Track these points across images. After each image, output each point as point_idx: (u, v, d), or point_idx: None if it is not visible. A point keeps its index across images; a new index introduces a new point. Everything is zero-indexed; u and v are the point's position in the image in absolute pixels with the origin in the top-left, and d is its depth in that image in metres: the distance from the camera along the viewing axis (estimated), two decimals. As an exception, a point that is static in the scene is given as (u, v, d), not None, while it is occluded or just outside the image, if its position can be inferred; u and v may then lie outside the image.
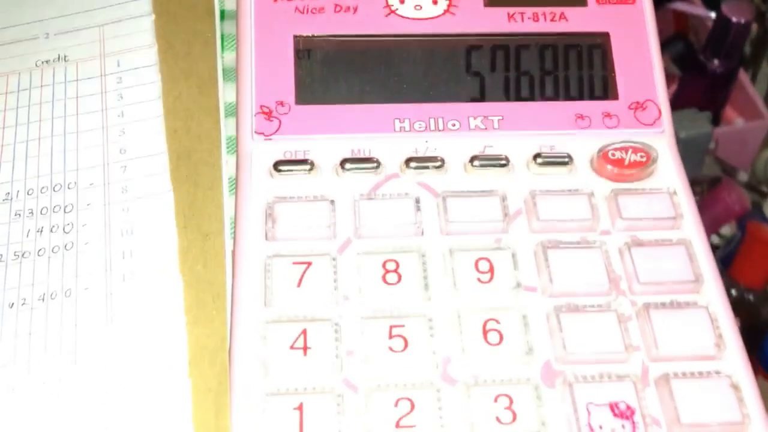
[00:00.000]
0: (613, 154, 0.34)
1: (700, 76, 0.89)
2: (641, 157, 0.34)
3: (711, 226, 0.79)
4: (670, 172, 0.34)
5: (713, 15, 0.89)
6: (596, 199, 0.33)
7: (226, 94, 0.38)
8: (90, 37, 0.40)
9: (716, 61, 0.85)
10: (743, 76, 0.91)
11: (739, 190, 0.79)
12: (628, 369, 0.30)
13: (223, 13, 0.42)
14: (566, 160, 0.34)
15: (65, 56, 0.39)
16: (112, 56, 0.39)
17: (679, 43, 0.95)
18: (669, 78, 0.93)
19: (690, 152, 0.82)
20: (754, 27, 0.88)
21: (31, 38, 0.40)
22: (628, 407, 0.28)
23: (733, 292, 0.82)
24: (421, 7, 0.37)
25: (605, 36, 0.36)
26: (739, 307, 0.82)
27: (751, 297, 0.82)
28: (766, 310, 0.82)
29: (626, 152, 0.34)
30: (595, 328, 0.30)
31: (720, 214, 0.78)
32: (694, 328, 0.30)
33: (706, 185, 0.85)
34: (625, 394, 0.29)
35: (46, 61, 0.39)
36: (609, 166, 0.34)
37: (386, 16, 0.36)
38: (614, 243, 0.32)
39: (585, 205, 0.33)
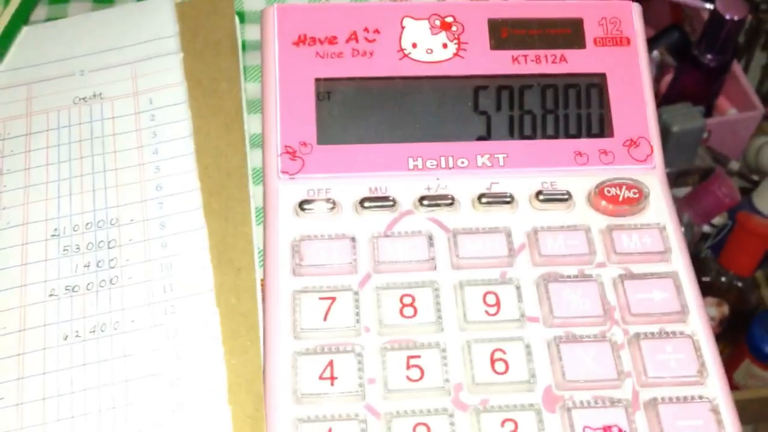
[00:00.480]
0: (609, 191, 0.37)
1: (694, 68, 0.91)
2: (634, 193, 0.37)
3: (702, 217, 0.82)
4: (660, 207, 0.37)
5: (710, 6, 0.92)
6: (593, 233, 0.37)
7: (250, 125, 0.41)
8: (122, 75, 0.43)
9: (710, 55, 0.88)
10: (736, 68, 0.94)
11: (730, 183, 0.83)
12: (620, 394, 0.33)
13: (244, 44, 0.44)
14: (566, 197, 0.37)
15: (100, 93, 0.42)
16: (144, 94, 0.42)
17: (675, 34, 0.97)
18: (665, 68, 0.96)
19: (683, 145, 0.85)
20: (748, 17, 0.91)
21: (67, 75, 0.43)
22: (620, 430, 0.32)
23: (723, 279, 0.86)
24: (432, 51, 0.40)
25: (602, 76, 0.40)
26: (728, 293, 0.86)
27: (739, 284, 0.86)
28: (753, 296, 0.86)
29: (620, 189, 0.37)
30: (591, 357, 0.34)
31: (711, 206, 0.81)
32: (680, 356, 0.34)
33: (698, 176, 0.88)
34: (618, 418, 0.32)
35: (83, 99, 0.42)
36: (604, 203, 0.37)
37: (400, 59, 0.40)
38: (609, 275, 0.36)
39: (582, 240, 0.36)
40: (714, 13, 0.85)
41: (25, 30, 0.44)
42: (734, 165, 0.93)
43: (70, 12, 0.46)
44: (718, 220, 0.88)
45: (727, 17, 0.85)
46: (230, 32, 0.44)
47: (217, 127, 0.41)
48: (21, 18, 0.44)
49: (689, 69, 0.92)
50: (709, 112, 0.93)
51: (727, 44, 0.88)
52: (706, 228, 0.88)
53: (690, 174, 0.88)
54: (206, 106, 0.41)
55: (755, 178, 0.93)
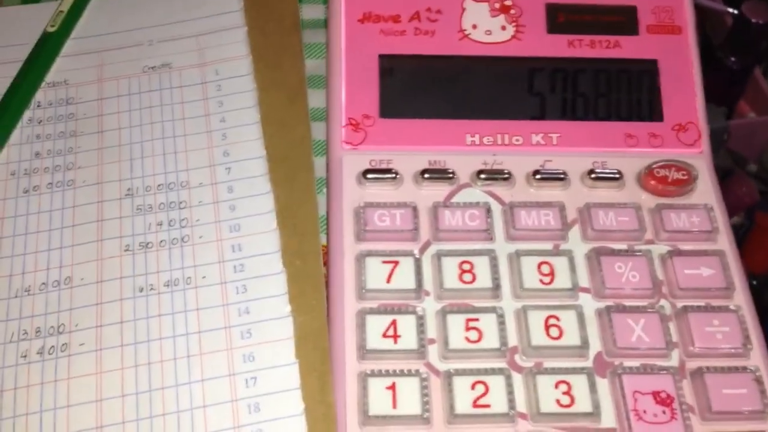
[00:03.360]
0: (658, 172, 0.39)
1: (717, 71, 0.93)
2: (683, 175, 0.39)
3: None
4: (707, 190, 0.39)
5: (733, 11, 0.93)
6: (642, 212, 0.38)
7: (310, 99, 0.43)
8: (189, 47, 0.44)
9: (733, 58, 0.89)
10: (757, 72, 0.95)
11: (750, 183, 0.84)
12: (668, 363, 0.35)
13: (302, 23, 0.46)
14: (617, 176, 0.39)
15: (168, 63, 0.44)
16: (210, 65, 0.44)
17: (699, 37, 0.98)
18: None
19: (706, 145, 0.86)
20: (772, 23, 0.92)
21: (136, 44, 0.45)
22: (668, 396, 0.34)
23: (740, 276, 0.87)
24: (491, 33, 0.41)
25: (654, 63, 0.41)
26: (745, 291, 0.87)
27: (755, 282, 0.87)
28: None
29: (670, 170, 0.39)
30: (640, 326, 0.35)
31: (731, 204, 0.83)
32: (726, 329, 0.35)
33: (719, 176, 0.89)
34: (666, 384, 0.34)
35: (152, 68, 0.43)
36: (654, 182, 0.39)
37: (460, 39, 0.41)
38: (657, 251, 0.38)
39: (633, 217, 0.38)
40: (739, 16, 0.87)
41: (94, 1, 0.46)
42: (752, 167, 0.95)
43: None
44: (735, 220, 0.89)
45: (753, 21, 0.86)
46: (292, 8, 0.46)
47: (280, 99, 0.42)
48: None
49: (712, 71, 0.94)
50: (730, 115, 0.94)
51: (751, 47, 0.89)
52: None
53: (712, 173, 0.89)
54: (270, 79, 0.43)
55: (773, 180, 0.94)
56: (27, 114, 0.42)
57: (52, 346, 0.35)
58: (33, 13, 0.45)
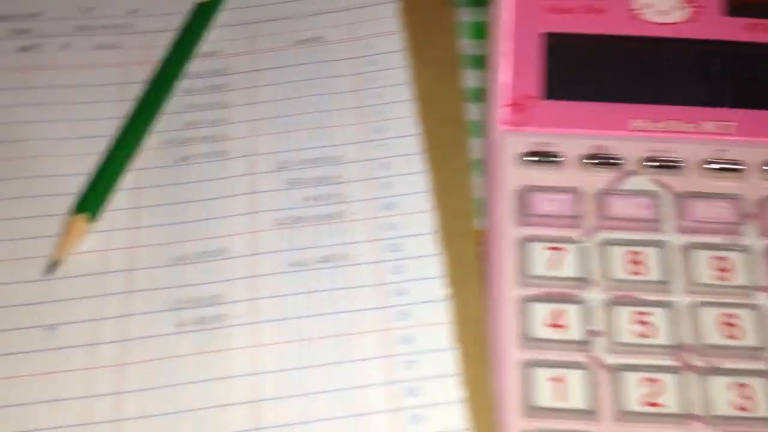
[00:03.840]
0: None
1: None
2: None
3: None
4: None
5: None
6: (828, 207, 0.35)
7: (465, 78, 0.41)
8: (340, 20, 0.43)
9: None
10: None
11: None
12: None
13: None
14: (798, 169, 0.36)
15: (319, 37, 0.43)
16: (362, 40, 0.42)
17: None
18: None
19: None
20: None
21: (287, 17, 0.44)
22: None
23: None
24: (665, 12, 0.39)
25: (839, 50, 0.38)
26: None
27: None
28: None
29: None
30: (829, 332, 0.33)
31: None
32: None
33: None
34: None
35: (303, 41, 0.42)
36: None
37: (631, 19, 0.39)
38: (844, 250, 0.35)
39: (816, 213, 0.35)
40: None
41: (245, -29, 0.45)
42: None
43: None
44: None
45: None
46: (447, -16, 0.44)
47: (434, 76, 0.41)
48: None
49: None
50: None
51: None
52: None
53: None
54: (421, 55, 0.42)
55: None
56: (181, 84, 0.41)
57: (209, 317, 0.34)
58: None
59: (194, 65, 0.42)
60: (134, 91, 0.40)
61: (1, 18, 0.44)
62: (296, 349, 0.33)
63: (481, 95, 0.40)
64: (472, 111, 0.41)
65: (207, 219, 0.37)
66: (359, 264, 0.35)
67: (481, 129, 0.39)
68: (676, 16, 0.39)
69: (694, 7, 0.39)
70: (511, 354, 0.33)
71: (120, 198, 0.37)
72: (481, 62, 0.42)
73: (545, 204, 0.36)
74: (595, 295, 0.34)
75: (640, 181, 0.36)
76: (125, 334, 0.34)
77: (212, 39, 0.43)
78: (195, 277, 0.35)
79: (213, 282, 0.35)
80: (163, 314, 0.34)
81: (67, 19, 0.44)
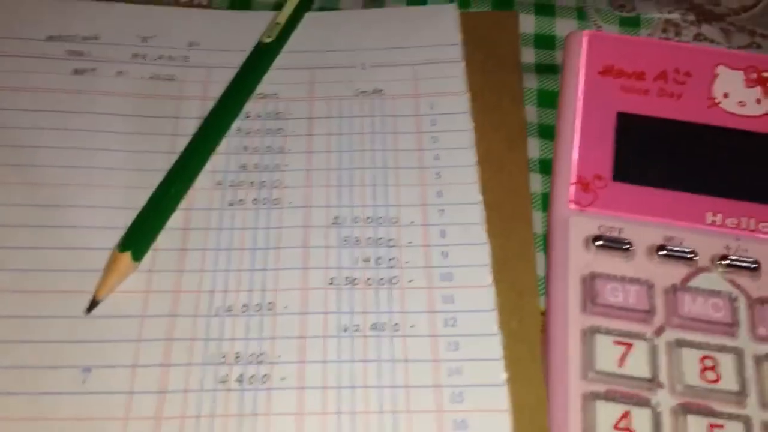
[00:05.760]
0: None
1: None
2: None
3: None
4: None
5: None
6: None
7: (529, 149, 0.40)
8: (404, 75, 0.42)
9: None
10: None
11: None
12: None
13: (522, 67, 0.43)
14: None
15: (381, 90, 0.41)
16: (425, 97, 0.41)
17: None
18: None
19: None
20: None
21: (349, 66, 0.42)
22: None
23: None
24: (744, 104, 0.38)
25: None
26: None
27: None
28: None
29: None
30: None
31: None
32: None
33: None
34: None
35: (364, 92, 0.41)
36: None
37: (709, 107, 0.38)
38: None
39: None
40: None
41: (308, 16, 0.44)
42: None
43: (341, 6, 0.45)
44: None
45: None
46: (515, 49, 0.43)
47: (499, 143, 0.39)
48: (306, 4, 0.43)
49: None
50: None
51: None
52: None
53: None
54: (488, 120, 0.40)
55: None
56: (236, 123, 0.39)
57: (253, 375, 0.32)
58: (244, 20, 0.43)
59: (251, 106, 0.40)
60: (187, 125, 0.39)
61: (57, 38, 0.42)
62: (346, 422, 0.31)
63: (545, 166, 0.39)
64: (536, 182, 0.39)
65: (256, 269, 0.35)
66: (412, 336, 0.33)
67: (545, 202, 0.38)
68: (756, 110, 0.37)
69: (776, 102, 0.37)
70: (573, 452, 0.31)
71: (167, 237, 0.35)
72: (547, 132, 0.40)
73: (614, 294, 0.34)
74: (664, 399, 0.32)
75: (714, 280, 0.35)
76: (163, 385, 0.32)
77: (271, 80, 0.41)
78: (239, 330, 0.33)
79: (259, 338, 0.33)
80: (203, 367, 0.32)
81: (125, 45, 0.42)
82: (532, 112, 0.42)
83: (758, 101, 0.38)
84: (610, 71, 0.39)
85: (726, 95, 0.38)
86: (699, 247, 0.35)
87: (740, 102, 0.38)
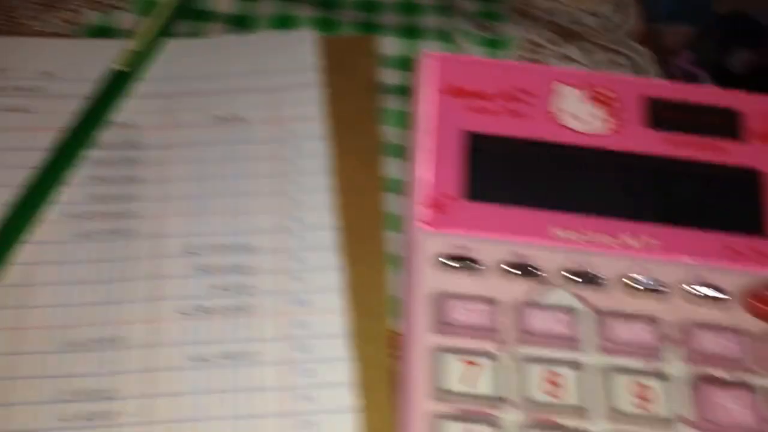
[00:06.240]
0: (765, 295, 0.36)
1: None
2: (792, 300, 0.36)
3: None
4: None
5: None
6: (748, 338, 0.35)
7: (385, 169, 0.40)
8: (262, 100, 0.42)
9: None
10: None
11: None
12: None
13: (382, 88, 0.44)
14: (720, 294, 0.36)
15: (241, 117, 0.41)
16: (284, 123, 0.41)
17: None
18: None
19: None
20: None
21: (208, 93, 0.42)
22: None
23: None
24: (586, 122, 0.39)
25: (758, 173, 0.38)
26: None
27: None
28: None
29: (777, 294, 0.36)
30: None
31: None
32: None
33: None
34: None
35: (222, 118, 0.41)
36: (761, 306, 0.35)
37: (554, 125, 0.39)
38: (762, 385, 0.34)
39: (737, 343, 0.35)
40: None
41: (168, 43, 0.43)
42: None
43: (207, 33, 0.45)
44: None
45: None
46: (372, 72, 0.43)
47: (355, 166, 0.40)
48: (164, 31, 0.43)
49: None
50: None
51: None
52: None
53: None
54: (345, 144, 0.40)
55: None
56: (89, 154, 0.38)
57: (97, 413, 0.31)
58: (102, 48, 0.42)
59: (105, 135, 0.40)
60: (39, 158, 0.38)
61: None
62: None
63: (403, 187, 0.39)
64: (394, 203, 0.39)
65: (104, 303, 0.34)
66: (264, 363, 0.33)
67: (402, 223, 0.38)
68: (598, 127, 0.38)
69: (615, 118, 0.39)
70: (420, 474, 0.31)
71: (11, 273, 0.34)
72: (404, 152, 0.40)
73: (462, 313, 0.34)
74: (512, 416, 0.32)
75: (561, 295, 0.36)
76: (5, 425, 0.31)
77: (127, 109, 0.41)
78: (86, 367, 0.33)
79: (105, 374, 0.32)
80: (47, 406, 0.32)
81: (-27, 78, 0.41)
82: (393, 134, 0.42)
83: (600, 118, 0.39)
84: (458, 92, 0.39)
85: (569, 113, 0.39)
86: (546, 263, 0.36)
87: (583, 119, 0.39)
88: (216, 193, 0.38)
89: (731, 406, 0.33)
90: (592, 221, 0.37)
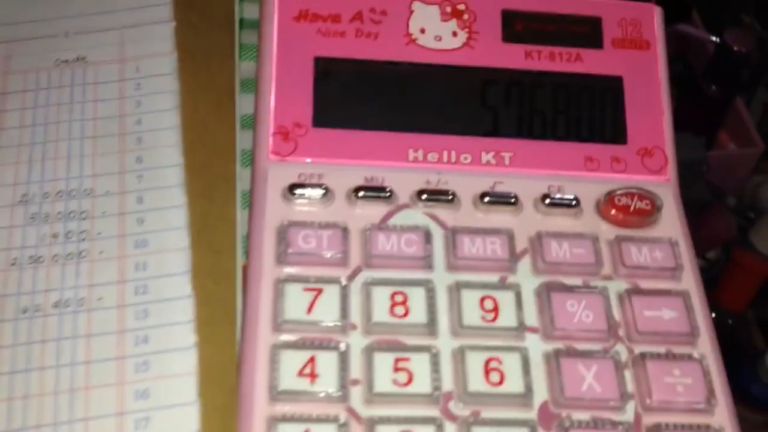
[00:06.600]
0: (619, 200, 0.35)
1: (696, 99, 0.90)
2: (646, 204, 0.35)
3: (697, 250, 0.80)
4: (672, 222, 0.35)
5: (715, 39, 0.90)
6: (600, 243, 0.34)
7: (242, 105, 0.38)
8: (109, 40, 0.40)
9: (714, 87, 0.86)
10: (738, 103, 0.92)
11: (728, 217, 0.80)
12: (621, 416, 0.31)
13: (242, 22, 0.42)
14: (573, 203, 0.35)
15: (84, 57, 0.39)
16: (131, 61, 0.39)
17: (679, 65, 0.95)
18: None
19: (682, 176, 0.83)
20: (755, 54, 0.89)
21: (50, 36, 0.40)
22: (621, 455, 0.29)
23: (714, 314, 0.83)
24: (440, 39, 0.37)
25: (618, 80, 0.37)
26: (718, 330, 0.83)
27: (730, 321, 0.83)
28: (743, 335, 0.84)
29: (632, 199, 0.35)
30: (592, 374, 0.31)
31: (707, 239, 0.79)
32: (688, 381, 0.31)
33: (695, 208, 0.86)
34: (618, 442, 0.30)
35: (65, 61, 0.39)
36: (614, 212, 0.35)
37: (406, 44, 0.37)
38: (615, 289, 0.33)
39: (589, 249, 0.34)
40: (721, 44, 0.84)
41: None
42: (731, 201, 0.91)
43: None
44: (711, 254, 0.86)
45: (735, 49, 0.83)
46: (227, 6, 0.41)
47: (206, 103, 0.38)
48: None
49: (692, 100, 0.91)
50: (709, 146, 0.91)
51: (732, 77, 0.86)
52: (700, 263, 0.85)
53: (687, 205, 0.86)
54: (196, 80, 0.39)
55: (751, 215, 0.91)
56: None
57: None
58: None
59: (-64, 86, 0.38)
60: None
61: None
62: (16, 408, 0.29)
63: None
64: (250, 140, 0.38)
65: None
66: (98, 309, 0.32)
67: (252, 158, 0.37)
68: (452, 43, 0.37)
69: (470, 33, 0.37)
70: (259, 408, 0.30)
71: None
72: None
73: (308, 241, 0.33)
74: (355, 341, 0.31)
75: (414, 216, 0.34)
76: None
77: (-39, 58, 0.39)
78: None
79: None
80: None
81: None
82: (251, 68, 0.40)
83: (454, 34, 0.38)
84: (306, 16, 0.37)
85: (423, 31, 0.37)
86: (400, 185, 0.35)
87: (437, 36, 0.37)
88: (55, 139, 0.36)
89: (582, 311, 0.32)
90: (446, 140, 0.36)
